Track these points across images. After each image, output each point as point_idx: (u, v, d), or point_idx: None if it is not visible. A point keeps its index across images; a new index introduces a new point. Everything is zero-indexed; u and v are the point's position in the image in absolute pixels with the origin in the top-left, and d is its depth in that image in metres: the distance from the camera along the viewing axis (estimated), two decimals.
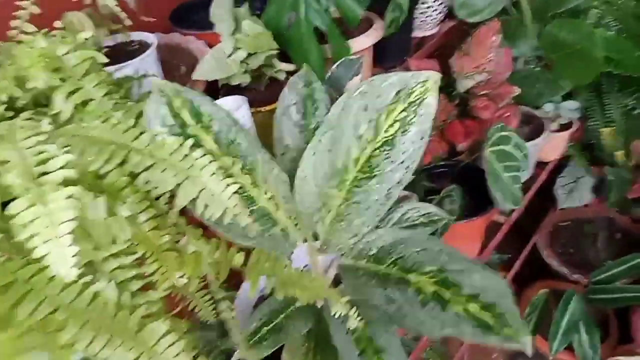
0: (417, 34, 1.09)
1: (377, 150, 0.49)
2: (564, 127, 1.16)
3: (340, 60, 0.73)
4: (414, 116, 0.47)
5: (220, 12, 0.68)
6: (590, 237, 1.32)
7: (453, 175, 0.94)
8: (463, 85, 0.89)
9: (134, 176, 0.42)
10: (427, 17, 1.05)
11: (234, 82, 0.71)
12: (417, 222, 0.66)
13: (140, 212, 0.40)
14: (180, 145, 0.45)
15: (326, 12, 0.70)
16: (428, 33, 1.10)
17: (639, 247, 1.27)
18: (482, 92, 0.91)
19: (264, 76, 0.77)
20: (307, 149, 0.56)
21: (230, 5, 0.68)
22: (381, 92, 0.49)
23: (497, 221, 1.06)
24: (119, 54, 0.67)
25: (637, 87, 1.10)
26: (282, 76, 0.77)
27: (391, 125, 0.48)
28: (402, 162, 0.48)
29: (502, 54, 0.89)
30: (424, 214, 0.67)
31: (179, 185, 0.43)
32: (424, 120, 0.47)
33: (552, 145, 1.15)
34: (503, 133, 0.83)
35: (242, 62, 0.69)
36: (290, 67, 0.75)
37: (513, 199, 0.84)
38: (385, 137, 0.48)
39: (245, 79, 0.71)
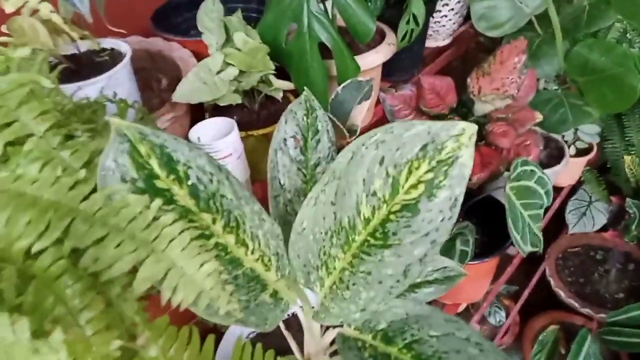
0: (429, 44, 0.99)
1: (394, 215, 0.39)
2: (581, 152, 1.07)
3: (347, 82, 0.63)
4: (444, 178, 0.37)
5: (208, 20, 0.57)
6: (601, 266, 1.24)
7: (465, 209, 0.84)
8: (481, 109, 0.79)
9: (78, 254, 0.32)
10: (440, 26, 0.95)
11: (223, 103, 0.61)
12: (430, 278, 0.57)
13: (83, 309, 0.30)
14: (146, 207, 0.35)
15: (332, 24, 0.59)
16: (441, 44, 1.00)
17: None
18: (500, 116, 0.82)
19: (258, 94, 0.67)
20: (307, 197, 0.46)
21: (221, 13, 0.57)
22: (402, 143, 0.39)
23: (509, 253, 0.97)
24: (86, 65, 0.56)
25: None
26: (279, 95, 0.67)
27: (414, 187, 0.38)
28: (426, 235, 0.38)
29: (525, 75, 0.79)
30: (438, 269, 0.58)
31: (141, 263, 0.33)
32: (456, 183, 0.37)
33: (568, 171, 1.06)
34: (526, 168, 0.73)
35: (232, 80, 0.58)
36: (288, 85, 0.65)
37: (533, 240, 0.75)
38: (406, 201, 0.39)
39: (236, 99, 0.61)
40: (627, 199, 0.97)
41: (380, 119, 0.87)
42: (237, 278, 0.43)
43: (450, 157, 0.37)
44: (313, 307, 0.49)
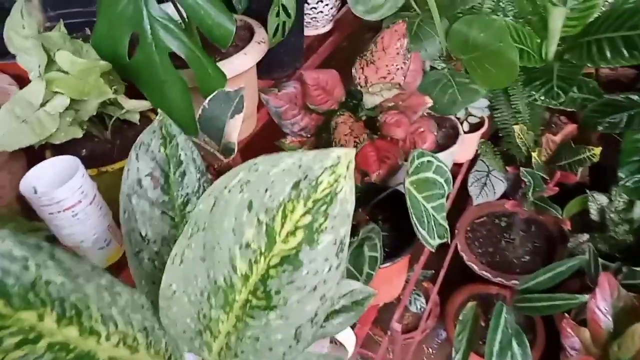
0: (309, 32, 0.92)
1: (275, 270, 0.32)
2: (474, 127, 1.08)
3: (214, 94, 0.53)
4: (324, 220, 0.30)
5: (19, 38, 0.45)
6: (506, 232, 1.28)
7: (371, 206, 0.80)
8: (370, 101, 0.74)
9: None
10: (318, 12, 0.88)
11: (58, 141, 0.49)
12: (338, 307, 0.51)
13: None
14: None
15: (184, 29, 0.50)
16: (321, 31, 0.93)
17: (553, 239, 1.26)
18: (390, 105, 0.77)
19: (109, 118, 0.55)
20: (170, 256, 0.37)
21: (34, 28, 0.45)
22: (271, 183, 0.31)
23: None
24: None
25: (541, 78, 1.03)
26: (135, 117, 0.56)
27: (292, 234, 0.31)
28: (313, 290, 0.31)
29: (409, 59, 0.75)
30: (345, 294, 0.51)
31: None
32: (339, 223, 0.30)
33: (465, 147, 1.06)
34: (423, 159, 0.70)
35: (65, 111, 0.47)
36: (145, 105, 0.55)
37: (439, 232, 0.72)
38: (285, 251, 0.31)
39: (76, 133, 0.50)
40: (521, 169, 0.99)
41: (267, 124, 0.78)
42: None
43: (328, 194, 0.30)
44: None
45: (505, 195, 1.26)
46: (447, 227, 0.73)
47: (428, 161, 0.70)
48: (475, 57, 0.80)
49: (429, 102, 0.78)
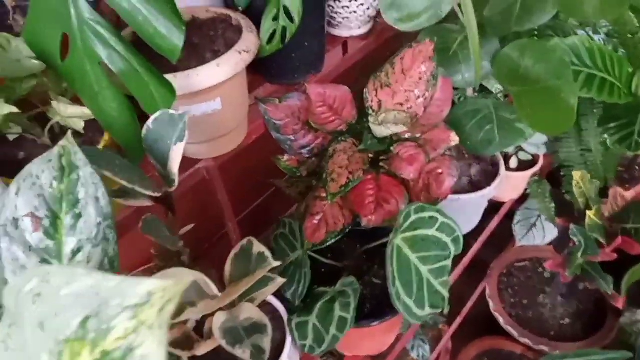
0: (342, 33, 0.81)
1: None
2: (525, 165, 0.91)
3: (158, 114, 0.45)
4: None
5: None
6: (548, 285, 1.10)
7: (360, 254, 0.69)
8: (377, 132, 0.62)
9: None
10: (351, 13, 0.76)
11: None
12: None
13: None
14: None
15: (118, 36, 0.41)
16: (356, 33, 0.81)
17: (604, 304, 1.06)
18: (407, 136, 0.65)
19: (47, 122, 0.49)
20: None
21: None
22: (62, 306, 0.22)
23: None
24: None
25: (620, 118, 0.84)
26: (78, 125, 0.49)
27: None
28: None
29: (435, 87, 0.61)
30: None
31: None
32: None
33: (510, 186, 0.90)
34: (423, 215, 0.57)
35: None
36: (84, 113, 0.47)
37: (434, 301, 0.59)
38: None
39: None
40: (572, 226, 0.81)
41: (262, 137, 0.69)
42: None
43: (120, 348, 0.20)
44: None
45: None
46: (446, 294, 0.61)
47: (430, 217, 0.57)
48: (526, 92, 0.64)
49: (455, 139, 0.64)
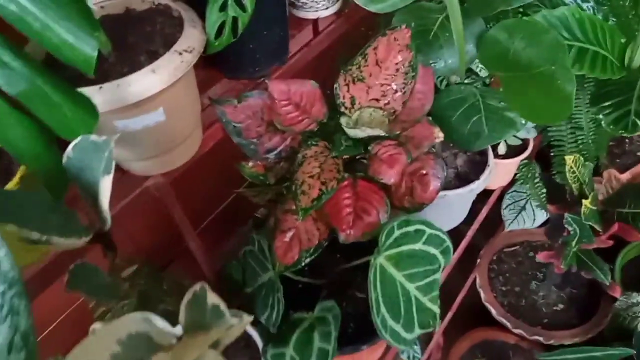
0: (308, 15, 0.72)
1: None
2: (514, 150, 0.85)
3: (77, 141, 0.37)
4: None
5: None
6: (540, 270, 1.06)
7: (338, 273, 0.62)
8: (352, 134, 0.54)
9: None
10: None
11: None
12: None
13: None
14: None
15: (14, 50, 0.32)
16: (324, 14, 0.72)
17: (598, 288, 1.02)
18: (385, 134, 0.57)
19: None
20: None
21: None
22: None
23: None
24: None
25: (615, 96, 0.77)
26: None
27: None
28: None
29: (414, 78, 0.54)
30: None
31: None
32: None
33: (499, 173, 0.84)
34: (408, 229, 0.50)
35: None
36: None
37: (423, 320, 0.53)
38: None
39: None
40: (567, 215, 0.76)
41: (221, 141, 0.61)
42: None
43: None
44: None
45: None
46: (438, 310, 0.55)
47: (416, 231, 0.51)
48: (516, 79, 0.57)
49: (439, 136, 0.57)
